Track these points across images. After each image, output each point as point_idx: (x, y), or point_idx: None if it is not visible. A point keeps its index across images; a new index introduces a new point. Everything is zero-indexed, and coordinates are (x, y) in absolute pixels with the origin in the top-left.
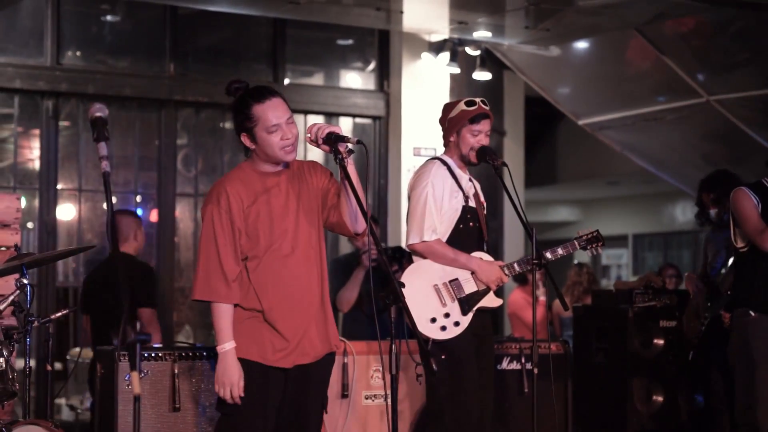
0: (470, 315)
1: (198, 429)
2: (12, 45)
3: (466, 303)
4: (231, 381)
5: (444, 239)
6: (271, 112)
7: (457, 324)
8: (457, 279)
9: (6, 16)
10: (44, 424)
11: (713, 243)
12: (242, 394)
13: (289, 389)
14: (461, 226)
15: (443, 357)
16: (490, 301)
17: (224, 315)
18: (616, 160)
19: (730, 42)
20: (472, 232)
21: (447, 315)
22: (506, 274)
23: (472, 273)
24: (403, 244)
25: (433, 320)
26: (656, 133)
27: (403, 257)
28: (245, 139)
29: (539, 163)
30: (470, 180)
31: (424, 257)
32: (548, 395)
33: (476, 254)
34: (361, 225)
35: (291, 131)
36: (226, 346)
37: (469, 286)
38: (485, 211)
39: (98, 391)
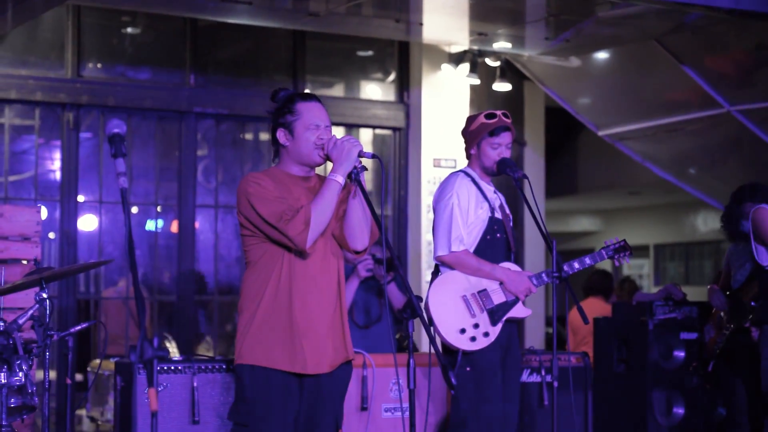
0: (500, 325)
1: None
2: (33, 57)
3: (496, 313)
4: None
5: (471, 250)
6: (316, 111)
7: (486, 335)
8: (485, 289)
9: (27, 29)
10: None
11: (737, 255)
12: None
13: (303, 401)
14: (488, 237)
15: (468, 369)
16: (519, 311)
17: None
18: (637, 170)
19: (750, 52)
20: (499, 243)
21: (476, 326)
22: (535, 284)
23: (501, 283)
24: (424, 257)
25: (463, 331)
26: (677, 143)
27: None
28: (281, 135)
29: (560, 173)
30: (495, 192)
31: (453, 268)
32: (568, 407)
33: (504, 265)
34: (361, 244)
35: (327, 136)
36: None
37: (498, 297)
38: (511, 223)
39: (118, 404)
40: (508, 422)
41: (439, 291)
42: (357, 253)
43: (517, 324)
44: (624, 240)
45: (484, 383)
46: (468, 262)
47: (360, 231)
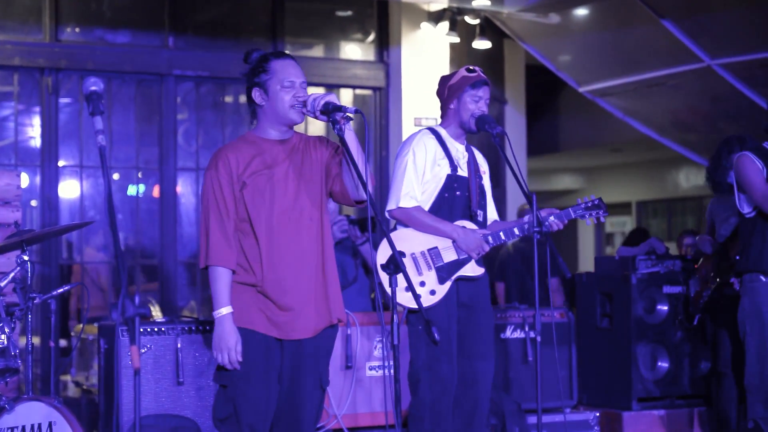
0: (448, 284)
1: (201, 403)
2: (10, 22)
3: (445, 271)
4: (228, 345)
5: (426, 207)
6: (290, 69)
7: (433, 293)
8: (436, 247)
9: None
10: (47, 400)
11: (721, 209)
12: (240, 359)
13: (284, 363)
14: (446, 194)
15: (420, 327)
16: (471, 269)
17: (221, 279)
18: (618, 127)
19: (730, 5)
20: (458, 201)
21: (422, 283)
22: (490, 243)
23: (453, 241)
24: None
25: (407, 289)
26: (658, 98)
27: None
28: (256, 95)
29: (541, 131)
30: (468, 149)
31: (404, 224)
32: (552, 363)
33: (460, 223)
34: (360, 193)
35: (303, 93)
36: (223, 311)
37: (449, 255)
38: (482, 181)
39: (101, 366)
40: (483, 379)
41: (387, 251)
42: (359, 203)
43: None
44: (599, 198)
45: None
46: (418, 218)
47: (358, 181)
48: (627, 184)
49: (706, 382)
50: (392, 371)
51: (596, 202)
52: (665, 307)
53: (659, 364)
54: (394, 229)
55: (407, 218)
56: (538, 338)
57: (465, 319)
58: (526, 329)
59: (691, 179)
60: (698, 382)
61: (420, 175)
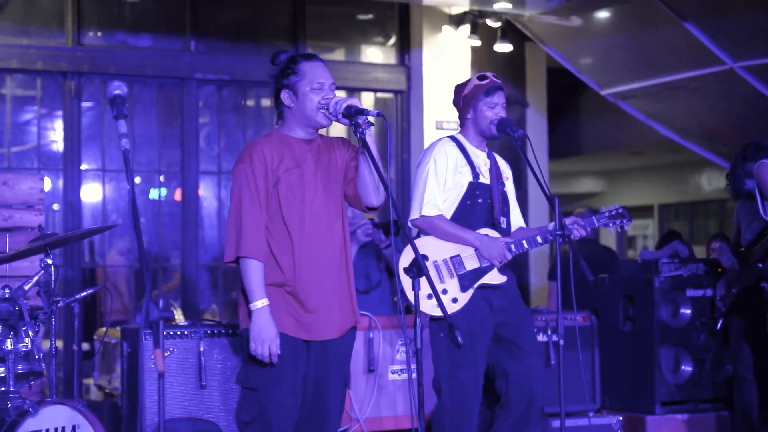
0: (470, 291)
1: (224, 406)
2: (33, 26)
3: (467, 279)
4: (269, 337)
5: (449, 215)
6: (319, 70)
7: (455, 300)
8: (458, 255)
9: None
10: (70, 403)
11: (745, 213)
12: (279, 352)
13: (310, 365)
14: (468, 202)
15: (441, 335)
16: (494, 277)
17: (255, 272)
18: (640, 130)
19: (753, 7)
20: (481, 208)
21: (444, 291)
22: (512, 251)
23: (476, 249)
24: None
25: (430, 296)
26: (680, 101)
27: (393, 232)
28: (285, 96)
29: (563, 134)
30: (491, 156)
31: (427, 233)
32: (575, 367)
33: (482, 231)
34: (376, 200)
35: (332, 95)
36: (258, 304)
37: (471, 263)
38: (504, 188)
39: (124, 370)
40: (534, 377)
41: (410, 256)
42: (371, 209)
43: (520, 286)
44: (623, 207)
45: (456, 349)
46: (441, 226)
47: (373, 187)
48: (649, 188)
49: (729, 386)
50: (414, 375)
51: (620, 211)
52: (688, 311)
53: (682, 367)
54: (417, 236)
55: (430, 227)
56: (561, 342)
57: (504, 324)
58: (549, 333)
59: (713, 182)
60: (721, 385)
61: (442, 183)
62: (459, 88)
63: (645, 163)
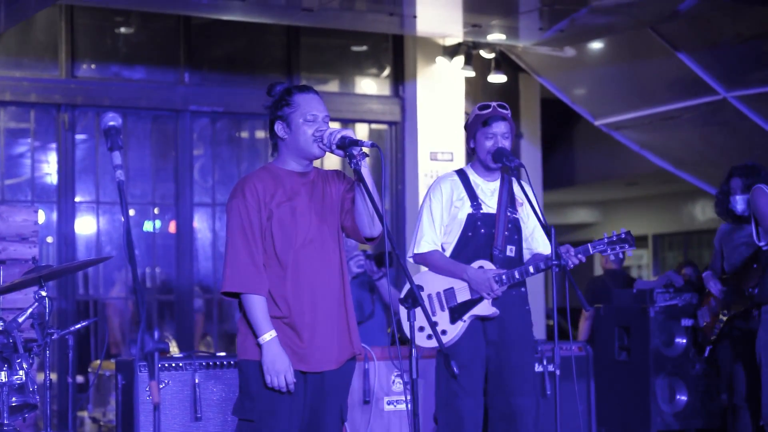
0: (460, 324)
1: None
2: (27, 59)
3: (457, 311)
4: (283, 367)
5: (451, 247)
6: (314, 103)
7: (444, 333)
8: (452, 288)
9: (20, 30)
10: None
11: (729, 236)
12: (294, 380)
13: (307, 396)
14: (469, 233)
15: (441, 365)
16: (484, 309)
17: (258, 305)
18: (634, 161)
19: (745, 37)
20: (480, 239)
21: (435, 324)
22: (503, 282)
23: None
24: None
25: (421, 329)
26: (674, 131)
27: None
28: (279, 128)
29: (557, 164)
30: (504, 183)
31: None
32: (571, 396)
33: (477, 263)
34: (371, 230)
35: (325, 127)
36: (266, 337)
37: (463, 295)
38: (517, 214)
39: (119, 402)
40: (521, 416)
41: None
42: (370, 240)
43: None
44: (627, 231)
45: (451, 379)
46: (434, 262)
47: (370, 218)
48: (643, 218)
49: (723, 415)
50: (410, 405)
51: (623, 236)
52: (683, 340)
53: (678, 396)
54: (418, 271)
55: (425, 263)
56: (557, 372)
57: (495, 357)
58: (545, 363)
59: (707, 212)
60: (717, 414)
61: (438, 220)
62: (466, 118)
63: (639, 193)
